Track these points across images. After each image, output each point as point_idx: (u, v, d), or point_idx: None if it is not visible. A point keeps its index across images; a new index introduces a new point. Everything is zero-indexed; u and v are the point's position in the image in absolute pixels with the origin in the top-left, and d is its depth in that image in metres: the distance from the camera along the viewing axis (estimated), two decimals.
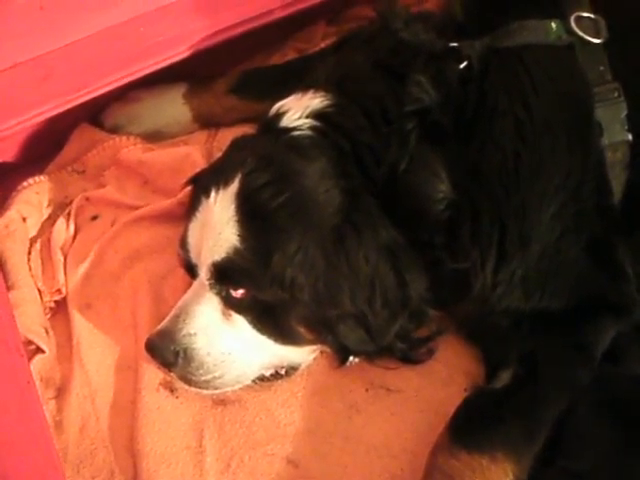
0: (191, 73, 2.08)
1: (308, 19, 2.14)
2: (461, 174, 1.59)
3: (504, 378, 1.61)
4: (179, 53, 1.93)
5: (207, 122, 2.10)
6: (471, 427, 1.56)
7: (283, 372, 1.71)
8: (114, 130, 2.08)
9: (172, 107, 2.09)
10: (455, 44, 1.68)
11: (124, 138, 2.04)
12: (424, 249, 1.59)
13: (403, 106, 1.60)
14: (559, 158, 1.59)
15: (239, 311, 1.61)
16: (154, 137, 2.09)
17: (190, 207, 1.69)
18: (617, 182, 1.63)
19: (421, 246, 1.59)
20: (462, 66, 1.65)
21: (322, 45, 2.13)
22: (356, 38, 1.82)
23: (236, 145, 1.72)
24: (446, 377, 1.71)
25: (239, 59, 2.14)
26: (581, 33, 1.66)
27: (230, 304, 1.61)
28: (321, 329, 1.61)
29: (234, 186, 1.58)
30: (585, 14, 1.69)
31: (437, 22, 1.76)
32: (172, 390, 1.72)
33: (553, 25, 1.67)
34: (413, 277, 1.59)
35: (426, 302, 1.64)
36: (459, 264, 1.58)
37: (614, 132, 1.62)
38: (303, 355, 1.70)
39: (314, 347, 1.69)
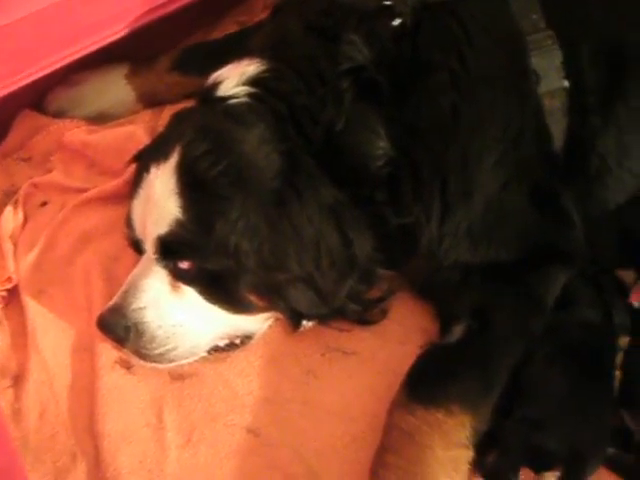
0: (133, 53, 2.06)
1: None
2: (399, 130, 1.58)
3: (457, 332, 1.61)
4: (116, 32, 1.91)
5: (151, 101, 2.09)
6: (426, 382, 1.56)
7: (238, 342, 1.70)
8: (58, 115, 2.07)
9: (115, 88, 2.08)
10: (389, 2, 1.66)
11: (68, 122, 2.03)
12: (367, 207, 1.59)
13: (337, 66, 1.59)
14: (497, 108, 1.59)
15: (188, 282, 1.60)
16: (99, 119, 2.08)
17: (133, 184, 1.67)
18: (557, 129, 1.63)
19: (364, 204, 1.59)
20: (396, 23, 1.63)
21: (263, 16, 2.11)
22: (290, 3, 1.80)
23: (176, 119, 1.71)
24: (402, 336, 1.70)
25: (180, 36, 2.12)
26: None
27: (178, 276, 1.60)
28: (271, 295, 1.61)
29: (174, 159, 1.57)
30: None
31: None
32: (129, 367, 1.71)
33: None
34: (357, 235, 1.58)
35: (375, 262, 1.63)
36: (403, 219, 1.58)
37: (550, 79, 1.62)
38: (257, 323, 1.69)
39: (267, 314, 1.69)
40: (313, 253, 1.56)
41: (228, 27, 2.16)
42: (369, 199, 1.59)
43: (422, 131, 1.58)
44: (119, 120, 2.07)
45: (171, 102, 2.08)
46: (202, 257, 1.56)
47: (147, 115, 2.07)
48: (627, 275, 1.71)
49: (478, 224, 1.59)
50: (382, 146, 1.57)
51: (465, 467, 1.52)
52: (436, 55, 1.60)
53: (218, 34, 2.15)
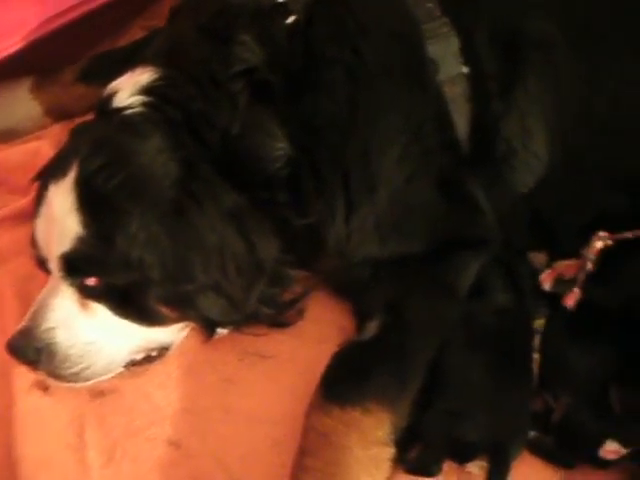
0: (38, 66, 2.01)
1: None
2: (297, 129, 1.56)
3: (372, 328, 1.60)
4: (14, 44, 1.86)
5: (60, 114, 2.05)
6: (341, 382, 1.55)
7: (155, 354, 1.67)
8: None
9: (21, 103, 2.04)
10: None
11: None
12: (269, 209, 1.57)
13: (230, 68, 1.56)
14: (396, 99, 1.58)
15: (96, 299, 1.57)
16: (7, 136, 2.03)
17: (36, 203, 1.64)
18: (461, 116, 1.62)
19: (266, 207, 1.57)
20: (289, 21, 1.61)
21: None
22: (186, 7, 1.77)
23: (74, 133, 1.68)
24: (319, 335, 1.69)
25: (87, 46, 2.08)
26: None
27: (86, 293, 1.57)
28: (181, 306, 1.58)
29: (71, 175, 1.54)
30: None
31: None
32: (45, 389, 1.68)
33: None
34: (262, 239, 1.56)
35: (283, 264, 1.61)
36: (306, 219, 1.56)
37: (449, 66, 1.61)
38: (171, 334, 1.67)
39: (181, 324, 1.66)
40: (218, 260, 1.54)
41: (135, 33, 2.12)
42: (271, 201, 1.56)
43: (320, 128, 1.57)
44: (28, 136, 2.02)
45: (81, 114, 2.03)
46: (107, 273, 1.53)
47: (56, 129, 2.02)
48: (539, 257, 1.70)
49: (385, 218, 1.58)
50: (280, 147, 1.55)
51: (386, 464, 1.51)
52: (330, 50, 1.58)
53: (125, 41, 2.11)
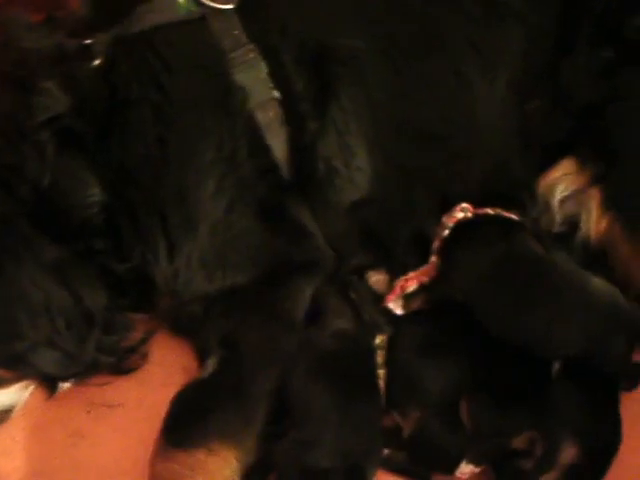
0: None
1: None
2: (109, 173, 1.54)
3: (211, 365, 1.57)
4: None
5: None
6: (182, 424, 1.51)
7: None
8: None
9: None
10: (89, 41, 1.61)
11: None
12: (91, 258, 1.54)
13: (35, 118, 1.52)
14: (206, 132, 1.56)
15: None
16: None
17: None
18: (278, 140, 1.61)
19: (87, 256, 1.53)
20: (96, 63, 1.58)
21: None
22: None
23: None
24: (164, 378, 1.66)
25: None
26: (210, 2, 1.62)
27: None
28: (15, 365, 1.54)
29: None
30: None
31: (68, 23, 1.68)
32: None
33: (181, 0, 1.62)
34: (88, 290, 1.53)
35: (116, 310, 1.58)
36: (127, 264, 1.53)
37: (259, 92, 1.60)
38: (13, 395, 1.62)
39: (23, 383, 1.61)
40: (46, 316, 1.50)
41: None
42: (91, 249, 1.53)
43: (132, 171, 1.55)
44: None
45: None
46: None
47: None
48: (378, 276, 1.69)
49: (209, 253, 1.56)
50: (93, 193, 1.52)
51: None
52: (135, 90, 1.56)
53: None
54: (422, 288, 1.70)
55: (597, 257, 1.75)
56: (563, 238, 1.79)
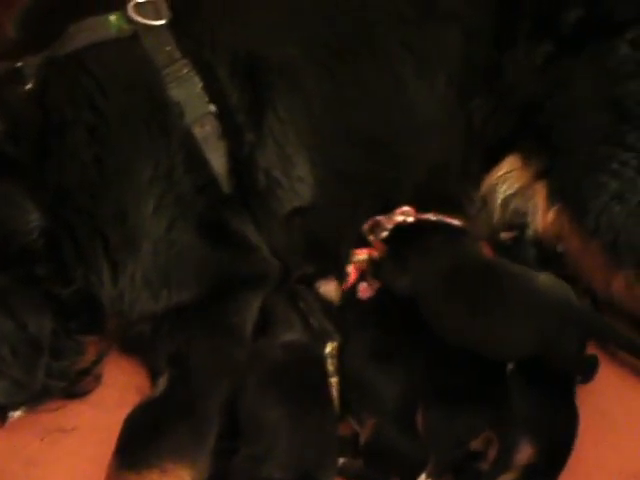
0: None
1: None
2: (48, 197, 1.54)
3: (162, 384, 1.56)
4: None
5: None
6: (135, 445, 1.50)
7: None
8: None
9: None
10: (20, 64, 1.60)
11: None
12: (34, 284, 1.52)
13: None
14: (143, 150, 1.56)
15: None
16: None
17: None
18: (217, 154, 1.61)
19: (30, 282, 1.52)
20: (28, 87, 1.57)
21: None
22: None
23: None
24: (118, 399, 1.64)
25: None
26: (142, 19, 1.61)
27: None
28: None
29: None
30: None
31: None
32: None
33: (112, 18, 1.62)
34: (32, 316, 1.52)
35: (64, 335, 1.57)
36: (71, 287, 1.52)
37: (195, 107, 1.60)
38: None
39: None
40: None
41: None
42: (33, 275, 1.52)
43: (70, 193, 1.54)
44: None
45: None
46: None
47: None
48: (329, 285, 1.68)
49: (153, 272, 1.55)
50: (32, 219, 1.51)
51: None
52: (69, 112, 1.55)
53: None
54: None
55: (548, 252, 1.74)
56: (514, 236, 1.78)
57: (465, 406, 1.52)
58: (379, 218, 1.66)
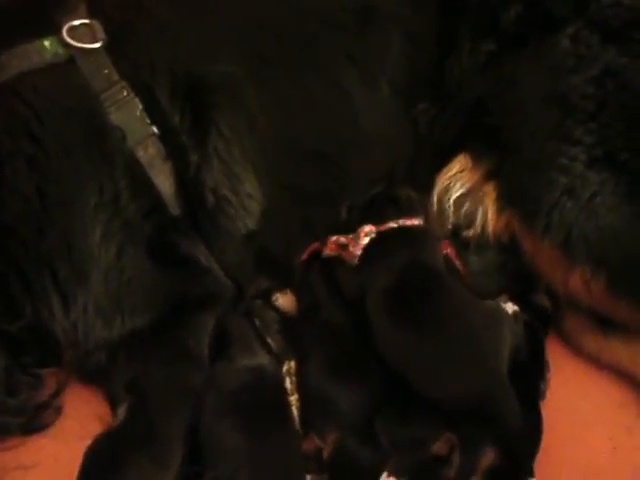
0: None
1: None
2: None
3: (121, 413, 1.54)
4: None
5: None
6: (96, 477, 1.48)
7: None
8: None
9: None
10: None
11: None
12: None
13: None
14: (86, 177, 1.54)
15: None
16: None
17: None
18: (163, 177, 1.59)
19: None
20: None
21: None
22: None
23: None
24: (79, 431, 1.60)
25: None
26: (76, 43, 1.59)
27: None
28: None
29: None
30: (79, 21, 1.61)
31: None
32: None
33: (46, 43, 1.59)
34: None
35: (18, 369, 1.55)
36: (21, 321, 1.50)
37: (136, 130, 1.58)
38: None
39: None
40: None
41: None
42: None
43: (14, 227, 1.51)
44: None
45: None
46: None
47: None
48: (285, 297, 1.67)
49: (104, 300, 1.54)
50: None
51: None
52: (6, 144, 1.52)
53: None
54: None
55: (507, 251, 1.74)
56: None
57: (418, 410, 1.51)
58: (343, 241, 1.64)
